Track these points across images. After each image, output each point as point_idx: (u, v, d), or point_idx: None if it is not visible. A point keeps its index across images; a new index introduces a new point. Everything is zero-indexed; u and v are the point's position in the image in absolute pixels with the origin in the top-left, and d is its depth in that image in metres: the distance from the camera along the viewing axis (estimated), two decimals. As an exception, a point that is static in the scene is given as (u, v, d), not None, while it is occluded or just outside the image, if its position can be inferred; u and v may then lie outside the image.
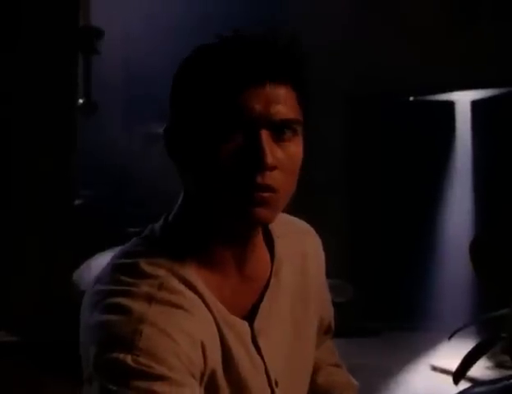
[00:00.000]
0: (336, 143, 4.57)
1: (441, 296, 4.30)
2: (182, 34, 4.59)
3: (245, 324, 0.96)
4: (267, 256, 1.02)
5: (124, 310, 0.82)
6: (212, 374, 0.89)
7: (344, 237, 4.47)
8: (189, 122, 0.85)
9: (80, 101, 2.24)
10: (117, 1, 4.07)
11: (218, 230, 0.90)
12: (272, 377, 1.00)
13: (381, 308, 4.30)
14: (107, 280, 0.87)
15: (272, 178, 0.84)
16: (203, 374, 0.86)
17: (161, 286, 0.84)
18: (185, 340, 0.82)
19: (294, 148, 0.87)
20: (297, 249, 1.06)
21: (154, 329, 0.81)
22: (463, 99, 4.63)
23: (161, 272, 0.85)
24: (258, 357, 0.98)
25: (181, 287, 0.86)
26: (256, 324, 0.97)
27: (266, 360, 0.98)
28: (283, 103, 0.84)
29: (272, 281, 1.00)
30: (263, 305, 0.98)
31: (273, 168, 0.84)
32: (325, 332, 1.19)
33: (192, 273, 0.88)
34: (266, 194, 0.84)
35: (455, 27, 4.27)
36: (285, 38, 0.85)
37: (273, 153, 0.84)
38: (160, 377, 0.80)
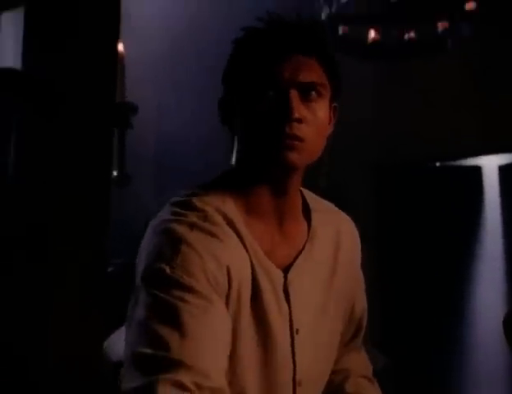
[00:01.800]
0: (364, 211, 4.60)
1: (473, 373, 4.19)
2: (210, 109, 4.75)
3: (279, 272, 1.10)
4: (305, 225, 1.17)
5: (171, 233, 1.02)
6: (239, 304, 1.04)
7: (373, 305, 4.42)
8: (236, 90, 1.08)
9: (115, 173, 2.33)
10: (151, 77, 4.27)
11: (259, 178, 1.08)
12: (295, 326, 1.11)
13: (412, 380, 4.20)
14: (165, 212, 1.09)
15: (299, 129, 1.03)
16: (227, 296, 1.02)
17: (205, 218, 1.04)
18: (213, 262, 1.00)
19: (319, 108, 1.07)
20: (332, 225, 1.22)
21: (190, 249, 1.00)
22: (490, 164, 4.65)
23: (208, 208, 1.05)
24: (285, 304, 1.10)
25: (222, 222, 1.05)
26: (289, 275, 1.10)
27: (292, 309, 1.11)
28: (308, 70, 1.05)
29: (308, 245, 1.14)
30: (298, 262, 1.12)
31: (299, 121, 1.03)
32: (356, 328, 1.29)
33: (235, 214, 1.07)
34: (294, 142, 1.03)
35: (480, 93, 4.34)
36: (310, 21, 1.09)
37: (299, 109, 1.03)
38: (190, 289, 0.97)
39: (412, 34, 3.35)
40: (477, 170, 4.68)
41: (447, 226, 4.43)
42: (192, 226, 1.03)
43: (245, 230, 1.07)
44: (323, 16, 3.16)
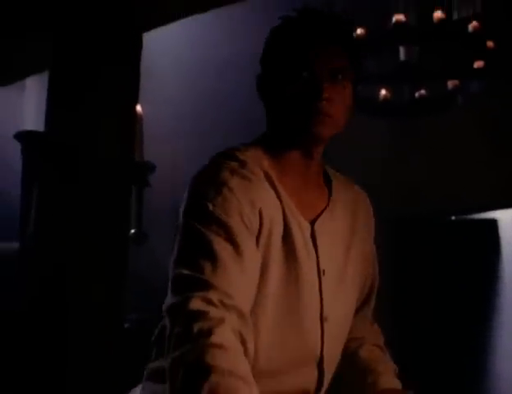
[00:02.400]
0: (380, 265, 4.57)
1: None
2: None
3: (307, 222, 1.26)
4: (326, 190, 1.34)
5: (214, 176, 1.19)
6: (269, 242, 1.18)
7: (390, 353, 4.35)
8: (274, 71, 1.25)
9: (132, 231, 2.37)
10: (167, 137, 4.37)
11: (291, 145, 1.26)
12: (321, 268, 1.26)
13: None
14: (210, 162, 1.24)
15: (328, 107, 1.21)
16: (258, 234, 1.18)
17: (244, 166, 1.21)
18: (249, 206, 1.16)
19: (345, 89, 1.25)
20: (349, 192, 1.40)
21: (231, 193, 1.16)
22: (505, 217, 4.64)
23: (248, 159, 1.23)
24: (312, 249, 1.26)
25: (259, 172, 1.23)
26: (315, 226, 1.26)
27: (318, 254, 1.26)
28: (337, 56, 1.24)
29: (330, 205, 1.31)
30: (322, 217, 1.28)
31: (328, 100, 1.21)
32: (368, 293, 1.44)
33: (270, 167, 1.25)
34: (324, 118, 1.21)
35: (493, 148, 4.37)
36: (339, 14, 1.27)
37: (329, 89, 1.21)
38: (226, 227, 1.12)
39: (422, 92, 3.42)
40: (493, 223, 4.67)
41: (464, 279, 4.38)
42: (233, 172, 1.20)
43: (279, 183, 1.24)
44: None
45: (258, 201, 1.19)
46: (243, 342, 1.05)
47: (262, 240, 1.18)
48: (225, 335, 1.01)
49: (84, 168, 2.10)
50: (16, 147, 2.46)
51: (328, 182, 1.37)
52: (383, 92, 3.38)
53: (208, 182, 1.19)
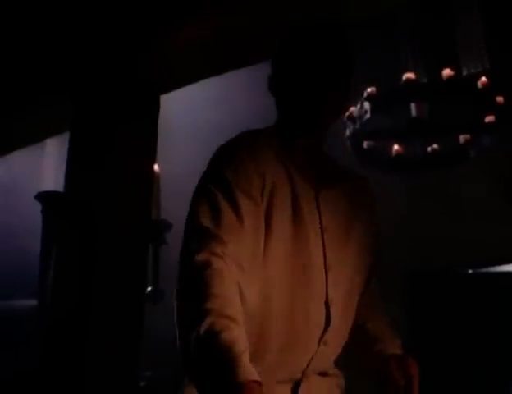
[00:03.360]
0: (396, 318, 4.52)
1: None
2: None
3: (312, 191, 1.42)
4: (330, 171, 1.50)
5: (229, 149, 1.39)
6: (273, 203, 1.35)
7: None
8: (282, 72, 1.45)
9: (149, 289, 2.38)
10: (183, 195, 4.42)
11: (298, 131, 1.46)
12: (324, 225, 1.41)
13: None
14: (230, 139, 1.42)
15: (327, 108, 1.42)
16: (263, 189, 1.35)
17: (256, 142, 1.40)
18: (254, 170, 1.35)
19: (340, 92, 1.47)
20: (351, 176, 1.56)
21: (240, 159, 1.35)
22: (522, 270, 4.60)
23: (260, 139, 1.42)
24: (316, 211, 1.41)
25: (268, 149, 1.40)
26: (320, 195, 1.42)
27: (321, 215, 1.41)
28: (329, 66, 1.44)
29: (333, 181, 1.47)
30: (326, 189, 1.44)
31: (329, 103, 1.42)
32: (372, 271, 1.55)
33: (278, 146, 1.43)
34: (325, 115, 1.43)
35: (508, 201, 4.37)
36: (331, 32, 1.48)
37: (330, 95, 1.43)
38: (233, 191, 1.30)
39: (435, 146, 3.46)
40: (509, 276, 4.63)
41: (480, 331, 4.32)
42: (245, 145, 1.39)
43: (287, 159, 1.42)
44: (347, 133, 3.29)
45: (264, 168, 1.37)
46: (240, 290, 1.23)
47: (265, 199, 1.36)
48: (224, 284, 1.21)
49: (102, 227, 2.13)
50: (37, 207, 2.52)
51: (332, 166, 1.54)
52: (396, 147, 3.42)
53: (223, 153, 1.39)
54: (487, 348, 4.33)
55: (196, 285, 1.21)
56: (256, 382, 1.12)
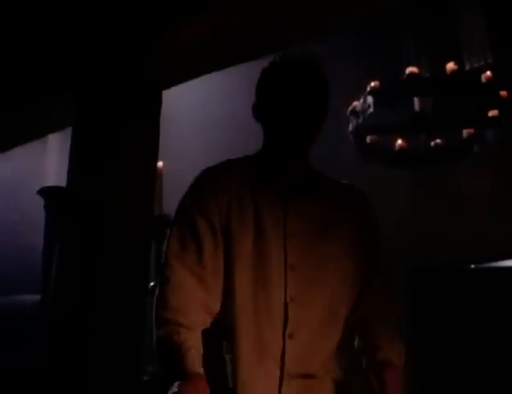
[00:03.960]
0: (399, 314, 4.50)
1: None
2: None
3: (280, 201, 1.57)
4: (309, 182, 1.65)
5: (197, 179, 1.61)
6: (241, 220, 1.54)
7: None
8: (262, 102, 1.62)
9: (151, 284, 2.38)
10: (185, 190, 4.41)
11: (283, 148, 1.62)
12: (288, 231, 1.55)
13: None
14: (199, 172, 1.63)
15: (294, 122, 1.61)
16: (229, 216, 1.54)
17: (225, 169, 1.61)
18: (214, 200, 1.54)
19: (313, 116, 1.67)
20: (333, 185, 1.68)
21: (203, 193, 1.56)
22: (525, 265, 4.58)
23: (231, 164, 1.62)
24: (282, 220, 1.55)
25: (233, 177, 1.59)
26: (288, 205, 1.57)
27: (287, 224, 1.56)
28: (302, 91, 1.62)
29: (310, 190, 1.62)
30: (299, 199, 1.59)
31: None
32: (372, 262, 1.68)
33: (249, 171, 1.61)
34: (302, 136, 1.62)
35: (510, 196, 4.36)
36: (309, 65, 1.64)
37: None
38: (193, 220, 1.53)
39: (438, 141, 3.44)
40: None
41: (483, 326, 4.31)
42: (212, 174, 1.60)
43: (253, 179, 1.60)
44: (350, 127, 3.28)
45: (226, 194, 1.57)
46: (203, 300, 1.50)
47: (234, 219, 1.55)
48: (180, 298, 1.47)
49: (105, 223, 2.13)
50: (39, 203, 2.51)
51: (315, 178, 1.68)
52: (399, 142, 3.41)
53: (193, 183, 1.61)
54: (490, 343, 4.32)
55: (158, 297, 1.51)
56: (198, 374, 1.42)
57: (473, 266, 4.68)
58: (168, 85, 2.42)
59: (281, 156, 1.63)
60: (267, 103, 1.62)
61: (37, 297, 2.96)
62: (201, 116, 4.92)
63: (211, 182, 1.58)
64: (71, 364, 2.16)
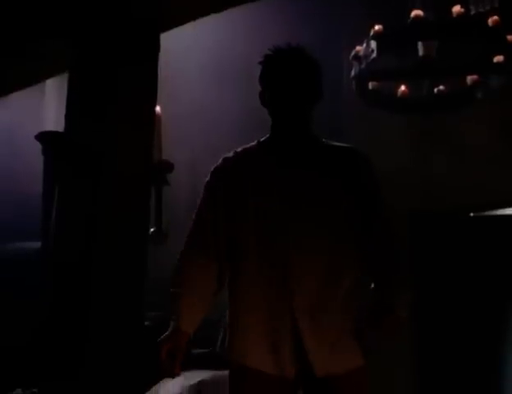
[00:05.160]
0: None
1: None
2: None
3: (278, 168, 1.86)
4: (310, 152, 1.90)
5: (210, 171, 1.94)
6: (243, 196, 1.85)
7: (409, 364, 4.34)
8: (267, 89, 1.88)
9: (152, 230, 2.38)
10: (184, 136, 4.38)
11: (280, 128, 1.90)
12: (284, 196, 1.82)
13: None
14: None
15: (286, 105, 1.90)
16: (232, 193, 1.86)
17: (235, 154, 1.93)
18: (217, 181, 1.89)
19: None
20: (334, 150, 1.91)
21: (213, 174, 1.91)
22: (524, 213, 4.59)
23: (242, 150, 1.94)
24: (276, 186, 1.82)
25: (239, 157, 1.92)
26: (286, 170, 1.85)
27: (282, 190, 1.82)
28: (291, 78, 1.88)
29: (308, 158, 1.87)
30: (296, 164, 1.86)
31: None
32: (368, 207, 1.86)
33: (257, 148, 1.93)
34: (285, 110, 1.88)
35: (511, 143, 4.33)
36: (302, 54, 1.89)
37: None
38: (202, 198, 1.91)
39: (441, 87, 3.39)
40: (511, 219, 4.63)
41: (481, 274, 4.35)
42: (223, 160, 1.93)
43: (263, 156, 1.90)
44: (353, 73, 3.22)
45: (221, 180, 1.89)
46: (208, 265, 1.86)
47: (237, 195, 1.85)
48: (189, 271, 1.85)
49: (104, 168, 2.11)
50: (39, 151, 2.49)
51: (317, 145, 1.91)
52: (402, 88, 3.36)
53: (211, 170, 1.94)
54: (488, 290, 4.37)
55: (176, 267, 1.89)
56: (181, 331, 1.82)
57: (472, 214, 4.69)
58: (165, 28, 2.37)
59: (284, 133, 1.89)
60: (269, 91, 1.87)
61: (38, 244, 2.97)
62: (199, 62, 4.85)
63: (219, 167, 1.92)
64: (73, 309, 2.17)
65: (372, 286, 1.84)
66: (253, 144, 1.94)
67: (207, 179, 1.91)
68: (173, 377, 1.87)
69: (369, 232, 1.85)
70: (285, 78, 1.85)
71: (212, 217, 1.87)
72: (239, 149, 1.94)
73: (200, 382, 3.45)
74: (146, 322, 3.53)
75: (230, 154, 1.93)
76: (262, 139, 1.93)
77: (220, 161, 1.93)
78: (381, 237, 1.86)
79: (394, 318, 1.80)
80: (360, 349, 1.82)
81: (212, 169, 1.92)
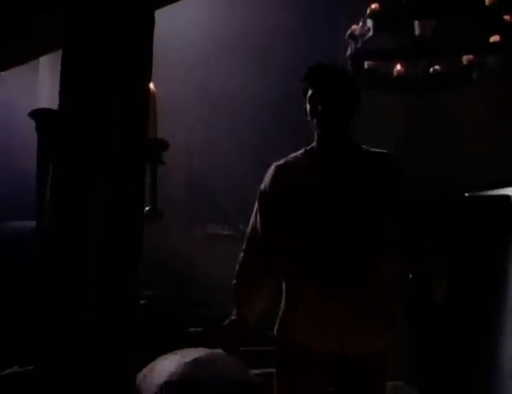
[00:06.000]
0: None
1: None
2: (239, 143, 4.84)
3: (322, 172, 2.20)
4: (349, 156, 2.22)
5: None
6: (292, 195, 2.19)
7: (406, 338, 4.38)
8: (309, 103, 2.21)
9: (147, 208, 2.38)
10: (179, 114, 4.37)
11: (321, 137, 2.24)
12: (331, 193, 2.14)
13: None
14: None
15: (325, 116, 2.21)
16: (281, 194, 2.22)
17: (285, 162, 2.30)
18: (269, 183, 2.27)
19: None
20: (370, 155, 2.23)
21: (267, 177, 2.28)
22: (519, 194, 4.61)
23: (290, 158, 2.29)
24: (322, 186, 2.15)
25: (286, 164, 2.28)
26: (328, 172, 2.19)
27: (329, 188, 2.14)
28: (329, 93, 2.19)
29: (347, 161, 2.21)
30: (336, 167, 2.20)
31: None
32: (392, 214, 2.14)
33: (299, 158, 2.28)
34: (324, 121, 2.21)
35: (507, 124, 4.32)
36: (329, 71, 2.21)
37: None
38: (258, 198, 2.30)
39: (437, 67, 3.38)
40: (506, 199, 4.65)
41: (476, 254, 4.38)
42: (275, 166, 2.28)
43: (303, 163, 2.24)
44: (349, 51, 3.21)
45: (274, 182, 2.24)
46: (264, 263, 2.20)
47: (286, 195, 2.18)
48: (249, 266, 2.23)
49: (98, 146, 2.11)
50: (34, 125, 2.47)
51: (355, 150, 2.22)
52: (397, 67, 3.35)
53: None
54: (482, 270, 4.40)
55: (238, 262, 2.25)
56: (240, 316, 2.17)
57: (467, 194, 4.71)
58: (161, 4, 2.35)
59: (328, 142, 2.18)
60: (311, 106, 2.16)
61: (33, 223, 2.97)
62: (193, 40, 4.82)
63: (271, 173, 2.24)
64: (68, 290, 2.18)
65: (410, 276, 2.04)
66: (300, 151, 2.26)
67: (261, 185, 2.26)
68: (235, 354, 2.34)
69: (403, 225, 2.13)
70: (326, 93, 2.13)
71: (271, 219, 2.19)
72: (288, 157, 2.26)
73: (195, 360, 3.48)
74: (142, 301, 3.55)
75: (281, 162, 2.26)
76: (308, 148, 2.25)
77: (272, 168, 2.26)
78: (413, 230, 2.14)
79: (429, 302, 2.00)
80: (388, 334, 2.14)
81: (265, 176, 2.25)
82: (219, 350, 3.73)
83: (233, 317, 2.17)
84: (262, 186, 2.26)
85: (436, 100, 4.14)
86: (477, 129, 4.38)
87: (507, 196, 4.64)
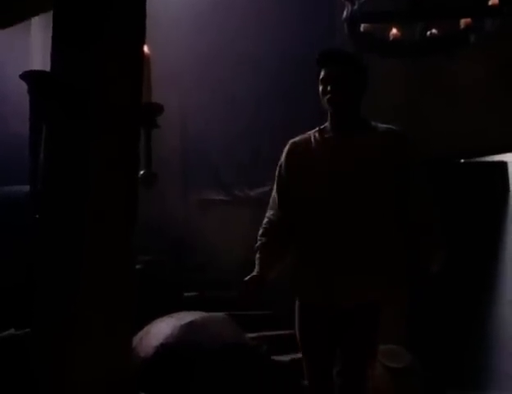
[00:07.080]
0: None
1: (499, 372, 4.15)
2: (235, 108, 4.81)
3: (329, 146, 2.43)
4: (357, 130, 2.43)
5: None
6: (301, 169, 2.46)
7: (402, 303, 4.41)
8: (322, 83, 2.43)
9: (141, 172, 2.37)
10: (174, 77, 4.33)
11: (335, 118, 2.45)
12: (331, 170, 2.39)
13: (439, 376, 4.18)
14: None
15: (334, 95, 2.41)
16: (293, 168, 2.51)
17: (300, 139, 2.53)
18: (285, 159, 2.54)
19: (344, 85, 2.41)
20: (378, 130, 2.43)
21: (284, 154, 2.55)
22: (515, 159, 4.61)
23: (305, 135, 2.52)
24: (327, 161, 2.39)
25: (304, 140, 2.51)
26: (336, 144, 2.42)
27: (331, 164, 2.37)
28: (337, 74, 2.40)
29: (354, 136, 2.42)
30: (343, 140, 2.43)
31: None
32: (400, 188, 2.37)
33: (312, 135, 2.50)
34: (333, 100, 2.41)
35: (505, 90, 4.30)
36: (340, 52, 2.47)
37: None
38: (276, 176, 2.56)
39: (434, 31, 3.33)
40: (502, 165, 4.65)
41: (472, 220, 4.40)
42: (291, 144, 2.53)
43: (317, 139, 2.47)
44: (345, 14, 3.16)
45: (286, 159, 2.50)
46: (279, 229, 2.48)
47: (296, 169, 2.44)
48: (269, 230, 2.50)
49: (92, 109, 2.09)
50: (25, 88, 2.44)
51: (363, 126, 2.42)
52: (394, 31, 3.31)
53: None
54: (477, 236, 4.42)
55: (261, 229, 2.53)
56: (257, 274, 2.45)
57: (462, 160, 4.71)
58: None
59: (336, 119, 2.39)
60: (323, 86, 2.36)
61: (27, 188, 2.96)
62: (190, 5, 4.75)
63: (286, 149, 2.49)
64: (63, 255, 2.18)
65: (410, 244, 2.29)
66: (315, 129, 2.46)
67: (280, 161, 2.48)
68: (247, 307, 2.52)
69: (407, 194, 2.33)
70: (335, 73, 2.32)
71: (284, 190, 2.45)
72: (303, 135, 2.48)
73: (191, 323, 3.52)
74: (138, 266, 3.57)
75: (297, 138, 2.49)
76: (322, 127, 2.45)
77: (288, 144, 2.49)
78: (417, 199, 2.34)
79: (427, 272, 2.28)
80: (380, 289, 2.32)
81: (283, 152, 2.48)
82: (215, 314, 3.76)
83: (254, 273, 2.44)
84: (280, 161, 2.50)
85: (435, 67, 4.10)
86: (476, 94, 4.35)
87: (503, 162, 4.63)
